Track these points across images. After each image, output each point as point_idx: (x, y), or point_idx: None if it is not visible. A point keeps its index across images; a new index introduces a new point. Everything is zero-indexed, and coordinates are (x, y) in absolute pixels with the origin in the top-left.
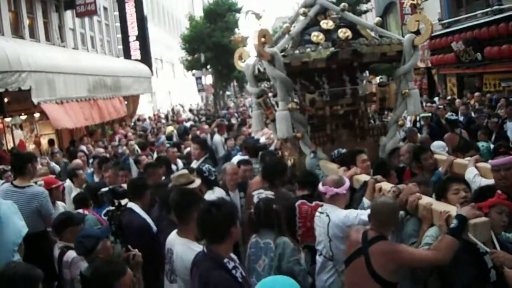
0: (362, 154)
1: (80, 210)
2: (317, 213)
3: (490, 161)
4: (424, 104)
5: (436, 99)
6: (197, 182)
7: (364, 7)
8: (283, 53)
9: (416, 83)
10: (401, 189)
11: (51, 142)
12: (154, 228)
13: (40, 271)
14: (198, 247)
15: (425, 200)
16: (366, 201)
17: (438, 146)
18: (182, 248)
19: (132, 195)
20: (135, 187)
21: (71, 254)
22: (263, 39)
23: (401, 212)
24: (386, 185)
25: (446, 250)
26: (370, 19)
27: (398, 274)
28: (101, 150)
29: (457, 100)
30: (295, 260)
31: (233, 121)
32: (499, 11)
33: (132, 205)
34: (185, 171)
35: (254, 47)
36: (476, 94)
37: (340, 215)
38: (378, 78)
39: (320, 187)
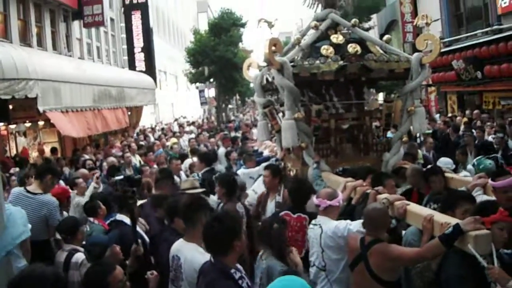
0: (390, 180)
1: (91, 219)
2: (310, 225)
3: (492, 182)
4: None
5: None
6: (200, 189)
7: (366, 24)
8: (292, 63)
9: None
10: (391, 199)
11: (53, 150)
12: (147, 239)
13: (64, 277)
14: (206, 252)
15: (426, 211)
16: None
17: (446, 163)
18: (191, 253)
19: (121, 208)
20: (126, 199)
21: (80, 255)
22: (273, 48)
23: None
24: (388, 197)
25: (430, 251)
26: (372, 36)
27: (395, 272)
28: (114, 159)
29: (458, 118)
30: None
31: (232, 134)
32: (499, 31)
33: (122, 217)
34: (191, 178)
35: (264, 55)
36: (475, 111)
37: (331, 225)
38: (379, 94)
39: (315, 199)
